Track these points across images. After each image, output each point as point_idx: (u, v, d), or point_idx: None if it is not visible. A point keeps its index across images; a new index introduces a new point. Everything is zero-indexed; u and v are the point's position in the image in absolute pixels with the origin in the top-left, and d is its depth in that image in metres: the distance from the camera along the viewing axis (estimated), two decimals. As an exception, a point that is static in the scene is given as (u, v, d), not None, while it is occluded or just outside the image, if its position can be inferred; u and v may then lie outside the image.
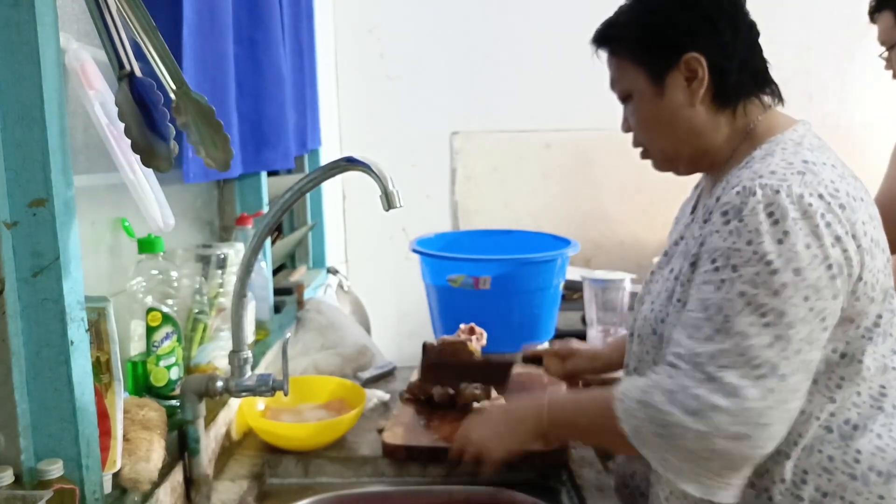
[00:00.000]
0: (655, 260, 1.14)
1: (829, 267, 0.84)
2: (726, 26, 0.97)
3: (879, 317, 0.91)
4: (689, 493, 0.89)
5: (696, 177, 1.12)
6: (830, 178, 0.88)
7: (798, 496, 0.90)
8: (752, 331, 0.84)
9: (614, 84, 1.06)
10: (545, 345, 1.55)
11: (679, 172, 1.07)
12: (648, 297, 1.05)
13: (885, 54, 1.71)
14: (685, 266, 0.95)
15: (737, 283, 0.85)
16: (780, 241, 0.84)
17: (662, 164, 1.06)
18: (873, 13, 1.72)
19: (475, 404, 1.34)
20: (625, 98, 1.05)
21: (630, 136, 1.08)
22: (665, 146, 1.04)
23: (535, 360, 1.43)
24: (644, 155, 1.08)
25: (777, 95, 1.03)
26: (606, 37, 1.05)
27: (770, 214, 0.84)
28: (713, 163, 1.01)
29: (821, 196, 0.85)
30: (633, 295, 1.93)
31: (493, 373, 1.43)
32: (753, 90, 1.00)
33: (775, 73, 1.05)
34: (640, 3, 1.02)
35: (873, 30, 1.73)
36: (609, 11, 1.07)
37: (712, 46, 0.97)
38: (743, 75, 0.98)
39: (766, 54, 1.03)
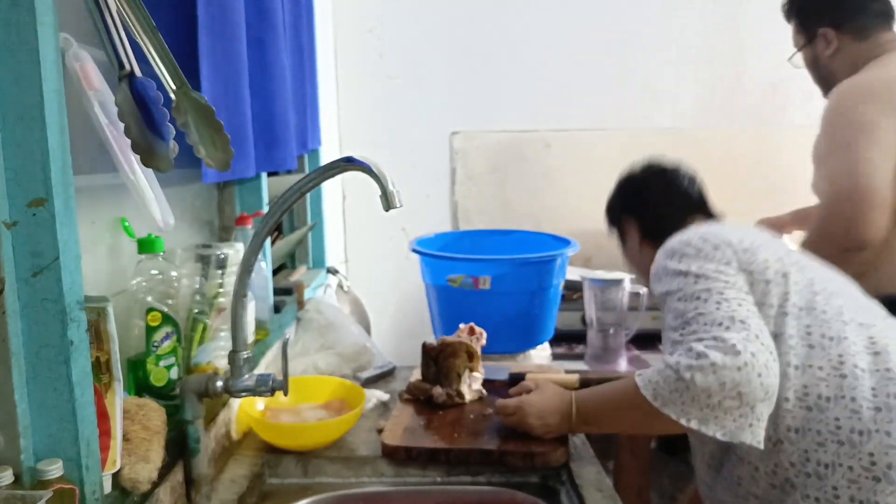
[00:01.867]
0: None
1: (711, 260, 1.18)
2: (649, 197, 1.50)
3: (787, 293, 1.15)
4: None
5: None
6: (725, 232, 1.25)
7: (806, 473, 1.08)
8: (705, 305, 1.11)
9: None
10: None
11: None
12: None
13: (797, 57, 1.77)
14: None
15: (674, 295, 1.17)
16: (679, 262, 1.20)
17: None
18: (787, 19, 1.80)
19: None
20: None
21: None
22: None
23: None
24: None
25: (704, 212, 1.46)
26: None
27: (671, 255, 1.23)
28: None
29: (704, 239, 1.22)
30: (633, 295, 1.93)
31: None
32: (678, 222, 1.40)
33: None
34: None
35: None
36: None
37: (640, 212, 1.51)
38: (664, 223, 1.42)
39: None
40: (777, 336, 1.12)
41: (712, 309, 1.09)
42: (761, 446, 1.05)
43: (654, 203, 1.48)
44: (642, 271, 1.46)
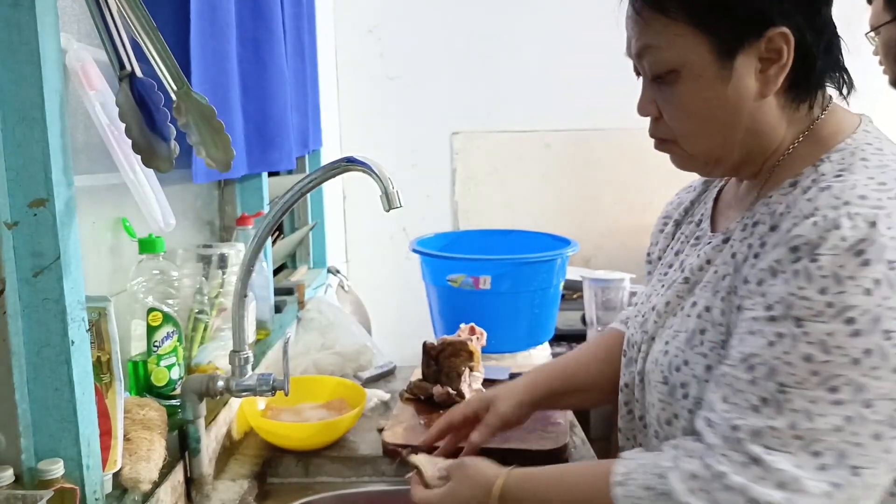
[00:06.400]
0: (665, 275, 0.89)
1: None
2: None
3: None
4: None
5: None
6: None
7: None
8: (816, 409, 0.65)
9: (649, 52, 0.77)
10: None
11: (706, 174, 0.85)
12: (662, 331, 0.84)
13: (872, 36, 1.70)
14: (716, 301, 0.77)
15: (800, 342, 0.66)
16: (867, 292, 0.64)
17: (691, 163, 0.82)
18: None
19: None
20: (664, 74, 0.77)
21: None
22: (710, 145, 0.79)
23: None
24: (664, 147, 0.83)
25: (848, 82, 0.81)
26: None
27: (858, 254, 0.65)
28: (760, 170, 0.81)
29: None
30: (633, 294, 1.93)
31: None
32: (829, 79, 0.80)
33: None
34: None
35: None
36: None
37: (803, 20, 0.74)
38: (828, 59, 0.77)
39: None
40: None
41: (828, 425, 0.65)
42: None
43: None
44: (727, 137, 0.78)
